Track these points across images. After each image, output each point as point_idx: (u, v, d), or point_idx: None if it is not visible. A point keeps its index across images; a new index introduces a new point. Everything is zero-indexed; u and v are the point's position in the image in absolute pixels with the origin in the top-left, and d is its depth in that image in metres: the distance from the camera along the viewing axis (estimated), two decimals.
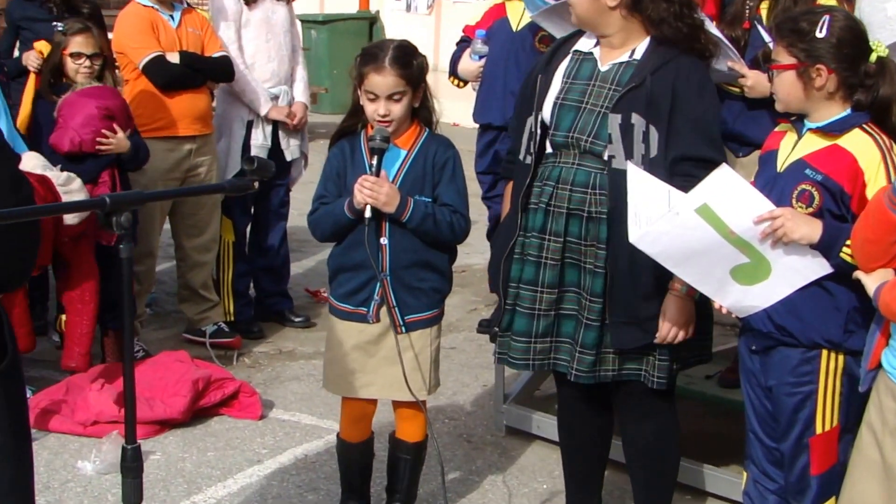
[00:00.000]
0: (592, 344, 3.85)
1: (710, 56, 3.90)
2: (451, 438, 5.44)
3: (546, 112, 3.89)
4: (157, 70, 6.17)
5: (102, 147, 5.71)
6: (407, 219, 4.00)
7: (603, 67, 3.86)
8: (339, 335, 4.19)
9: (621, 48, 3.86)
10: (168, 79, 6.17)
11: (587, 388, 4.03)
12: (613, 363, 3.91)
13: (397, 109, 3.99)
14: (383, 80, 3.97)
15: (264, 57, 6.62)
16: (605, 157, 3.77)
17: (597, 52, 3.90)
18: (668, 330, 3.80)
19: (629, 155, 3.69)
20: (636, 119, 3.68)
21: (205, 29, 6.38)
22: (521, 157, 3.96)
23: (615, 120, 3.71)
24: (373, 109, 3.99)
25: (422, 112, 4.13)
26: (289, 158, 6.78)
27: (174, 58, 6.19)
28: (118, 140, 5.73)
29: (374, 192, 3.92)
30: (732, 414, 5.13)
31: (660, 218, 3.43)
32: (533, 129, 3.90)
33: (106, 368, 5.73)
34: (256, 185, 3.05)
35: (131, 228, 2.72)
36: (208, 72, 6.35)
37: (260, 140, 6.64)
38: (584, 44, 3.96)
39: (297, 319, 6.97)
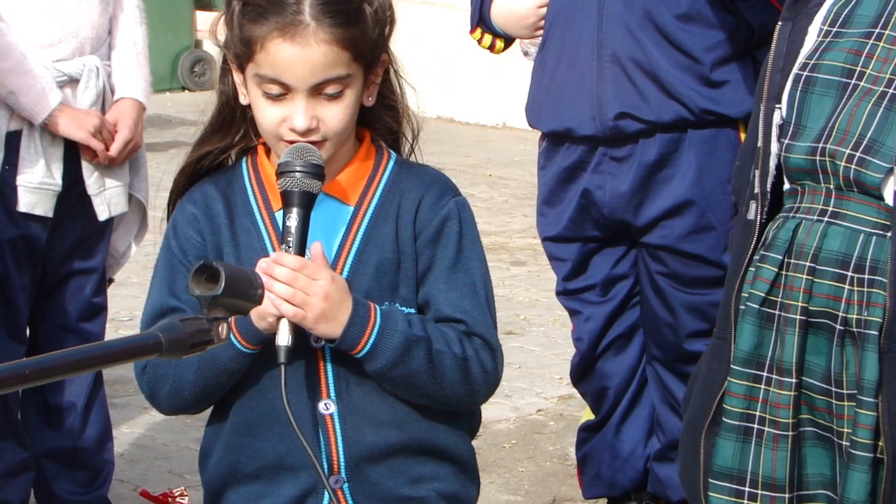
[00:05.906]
0: None
1: None
2: None
3: (784, 102, 2.77)
4: None
5: None
6: (367, 350, 2.36)
7: None
8: None
9: None
10: None
11: None
12: None
13: (336, 116, 2.42)
14: (303, 53, 2.39)
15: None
16: (890, 198, 2.62)
17: None
18: None
19: None
20: None
21: None
22: (743, 207, 2.85)
23: None
24: (278, 118, 2.41)
25: (380, 117, 2.56)
26: (104, 217, 4.31)
27: None
28: None
29: (297, 288, 2.33)
30: None
31: None
32: (761, 143, 2.76)
33: None
34: (224, 331, 1.89)
35: None
36: None
37: (38, 177, 4.14)
38: None
39: None
